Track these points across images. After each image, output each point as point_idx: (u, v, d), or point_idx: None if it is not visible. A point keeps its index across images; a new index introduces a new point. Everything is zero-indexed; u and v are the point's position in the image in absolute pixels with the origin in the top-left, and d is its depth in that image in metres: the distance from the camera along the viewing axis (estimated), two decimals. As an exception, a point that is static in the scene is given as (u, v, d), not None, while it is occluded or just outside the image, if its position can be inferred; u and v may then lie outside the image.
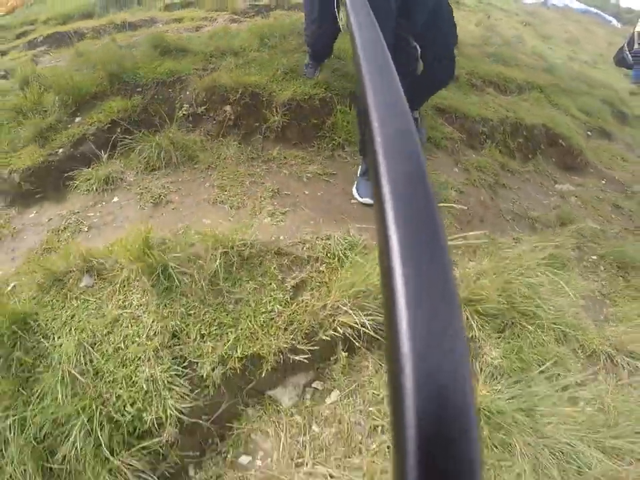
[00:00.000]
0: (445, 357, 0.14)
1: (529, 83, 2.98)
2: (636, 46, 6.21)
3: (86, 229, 1.35)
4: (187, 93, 1.74)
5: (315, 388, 1.04)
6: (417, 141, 0.21)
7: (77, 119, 1.77)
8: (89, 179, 1.55)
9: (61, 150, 1.62)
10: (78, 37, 2.77)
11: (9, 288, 1.18)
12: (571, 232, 1.60)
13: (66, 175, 1.57)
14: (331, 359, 1.04)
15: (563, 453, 0.98)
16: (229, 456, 0.96)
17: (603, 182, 2.55)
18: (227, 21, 2.43)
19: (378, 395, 1.01)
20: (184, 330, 0.96)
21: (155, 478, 0.83)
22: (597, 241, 1.86)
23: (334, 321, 1.00)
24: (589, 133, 3.14)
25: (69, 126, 1.73)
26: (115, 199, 1.47)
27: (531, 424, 0.97)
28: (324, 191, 1.43)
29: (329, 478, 0.89)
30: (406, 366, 0.14)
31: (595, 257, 1.76)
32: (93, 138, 1.66)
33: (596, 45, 7.68)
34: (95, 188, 1.52)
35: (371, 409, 0.99)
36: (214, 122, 1.71)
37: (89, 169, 1.58)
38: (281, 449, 0.95)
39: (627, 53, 6.34)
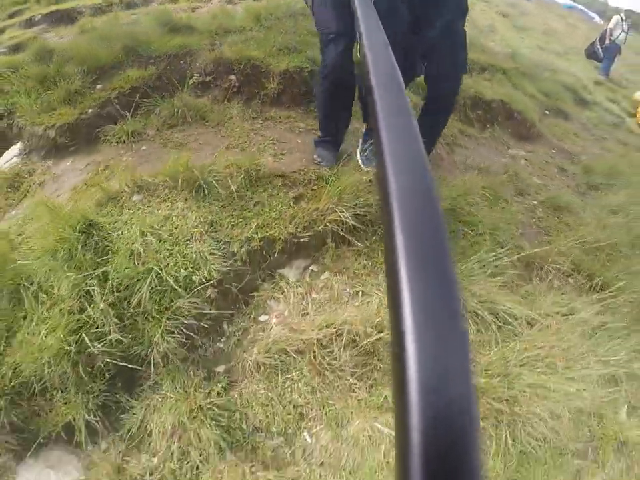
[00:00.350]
0: (451, 385, 0.16)
1: (492, 66, 3.57)
2: (607, 41, 7.05)
3: (123, 169, 1.77)
4: (197, 64, 2.19)
5: (312, 270, 1.51)
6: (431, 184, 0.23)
7: (99, 86, 2.19)
8: (116, 134, 1.97)
9: (90, 110, 2.03)
10: (77, 16, 3.16)
11: (67, 208, 1.59)
12: (510, 176, 2.13)
13: (96, 130, 1.99)
14: (323, 248, 1.51)
15: (498, 315, 1.47)
16: (251, 315, 1.42)
17: (553, 151, 3.14)
18: (222, 2, 2.89)
19: (357, 273, 1.49)
20: (219, 222, 1.41)
21: (209, 309, 1.29)
22: (539, 192, 2.42)
23: (324, 218, 1.48)
24: (546, 111, 3.74)
25: (92, 91, 2.15)
26: (144, 148, 1.90)
27: (469, 288, 1.47)
28: (312, 136, 1.91)
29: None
30: (411, 391, 0.15)
31: (535, 202, 2.32)
32: (116, 101, 2.08)
33: (573, 39, 8.36)
34: (123, 140, 1.94)
35: (353, 282, 1.47)
36: (220, 89, 2.16)
37: (116, 126, 2.00)
38: (290, 308, 1.41)
39: (599, 47, 7.19)
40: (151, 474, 1.20)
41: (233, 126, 1.99)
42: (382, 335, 1.27)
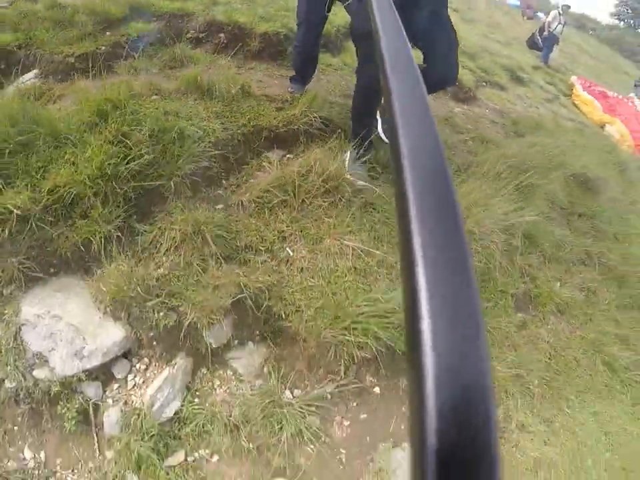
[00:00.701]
0: (467, 369, 0.17)
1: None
2: (546, 32, 8.48)
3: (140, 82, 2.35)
4: (193, 23, 2.87)
5: (288, 157, 2.18)
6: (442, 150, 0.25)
7: (108, 33, 2.77)
8: (126, 67, 2.55)
9: (103, 47, 2.60)
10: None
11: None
12: (447, 120, 2.98)
13: (108, 63, 2.55)
14: (297, 143, 2.20)
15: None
16: (243, 178, 2.04)
17: (487, 110, 4.05)
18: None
19: (321, 158, 2.18)
20: (222, 113, 2.05)
21: (215, 161, 1.89)
22: (471, 132, 3.27)
23: (298, 121, 2.18)
24: (484, 83, 4.62)
25: (103, 36, 2.72)
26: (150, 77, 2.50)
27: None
28: (286, 80, 2.64)
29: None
30: (428, 377, 0.16)
31: (467, 138, 3.17)
32: (125, 44, 2.67)
33: (516, 32, 9.44)
34: (132, 73, 2.52)
35: (316, 164, 2.15)
36: (211, 44, 2.84)
37: (126, 61, 2.58)
38: (275, 172, 2.05)
39: (538, 38, 8.66)
40: (157, 280, 1.60)
41: (221, 69, 2.65)
42: (344, 177, 1.94)
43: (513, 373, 2.08)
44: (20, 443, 1.53)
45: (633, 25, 28.44)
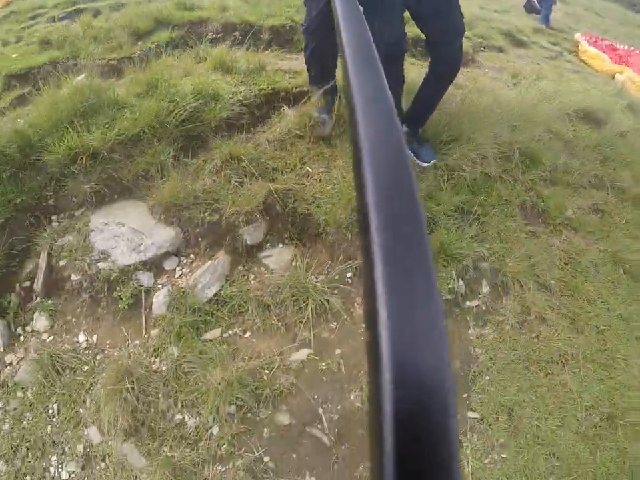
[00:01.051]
0: (424, 354, 0.17)
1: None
2: None
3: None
4: (210, 27, 3.49)
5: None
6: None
7: (139, 43, 3.40)
8: (159, 65, 3.14)
9: (138, 52, 3.21)
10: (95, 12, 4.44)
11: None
12: None
13: (144, 64, 3.15)
14: (307, 101, 2.68)
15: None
16: (267, 127, 2.52)
17: (487, 70, 4.38)
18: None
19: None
20: (244, 81, 2.58)
21: (244, 114, 2.38)
22: (469, 87, 3.68)
23: (307, 85, 2.68)
24: (482, 48, 4.87)
25: (136, 45, 3.35)
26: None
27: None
28: (295, 61, 3.18)
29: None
30: (385, 365, 0.17)
31: (464, 91, 3.55)
32: (155, 48, 3.28)
33: (515, 1, 9.14)
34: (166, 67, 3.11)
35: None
36: (228, 41, 3.44)
37: (159, 60, 3.17)
38: (293, 118, 2.52)
39: (535, 0, 8.32)
40: (203, 192, 2.03)
41: (242, 57, 3.23)
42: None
43: (526, 266, 2.16)
44: (75, 330, 1.88)
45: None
